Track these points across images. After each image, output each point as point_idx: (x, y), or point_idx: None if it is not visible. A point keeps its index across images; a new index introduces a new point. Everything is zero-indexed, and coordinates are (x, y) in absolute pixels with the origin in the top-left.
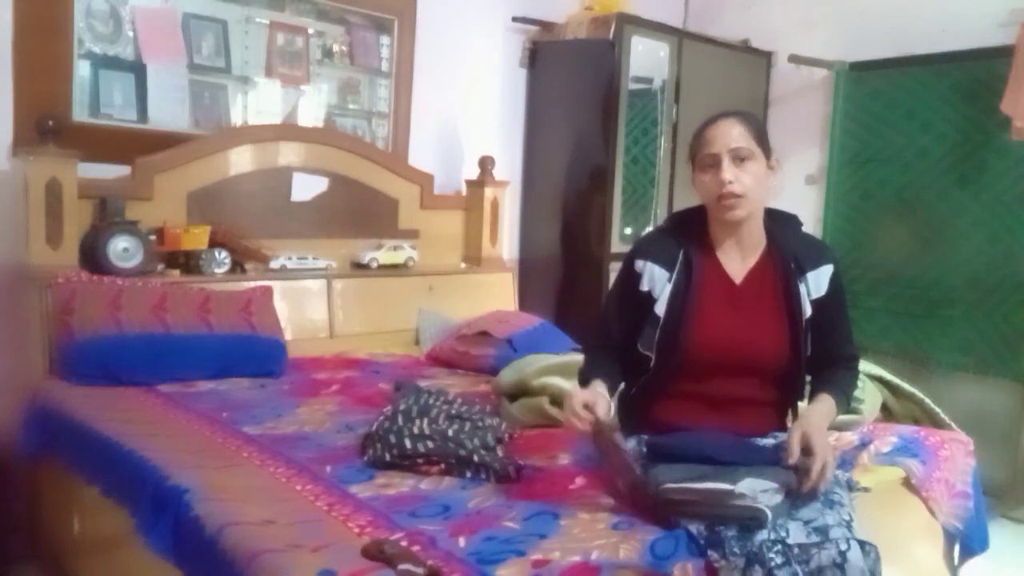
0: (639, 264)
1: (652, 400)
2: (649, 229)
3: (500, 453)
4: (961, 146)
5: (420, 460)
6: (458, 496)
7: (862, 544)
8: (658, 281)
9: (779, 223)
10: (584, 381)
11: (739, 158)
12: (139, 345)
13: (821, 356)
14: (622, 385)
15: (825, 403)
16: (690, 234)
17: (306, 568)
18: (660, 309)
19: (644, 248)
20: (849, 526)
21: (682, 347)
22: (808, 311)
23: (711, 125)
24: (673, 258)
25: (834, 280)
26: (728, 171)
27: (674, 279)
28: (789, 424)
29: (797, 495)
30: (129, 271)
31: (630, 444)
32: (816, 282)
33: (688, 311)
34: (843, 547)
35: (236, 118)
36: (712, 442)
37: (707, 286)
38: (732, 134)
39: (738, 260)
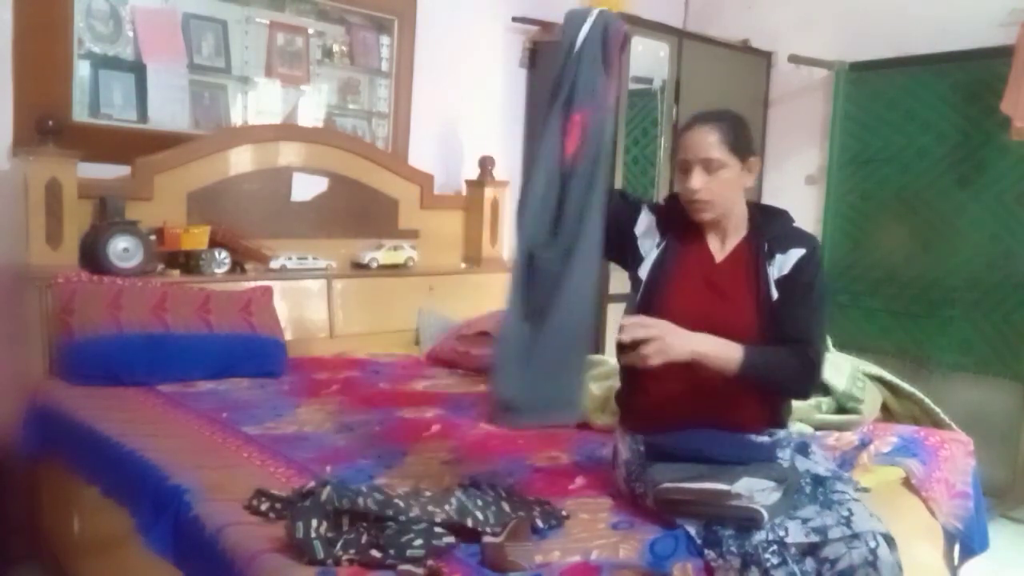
0: (645, 208)
1: (641, 389)
2: None
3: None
4: (961, 146)
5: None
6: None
7: (887, 538)
8: (647, 238)
9: (767, 216)
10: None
11: (709, 167)
12: (139, 345)
13: (776, 334)
14: (617, 383)
15: (724, 341)
16: (684, 214)
17: (306, 568)
18: (643, 273)
19: (655, 204)
20: (848, 522)
21: (657, 313)
22: (774, 293)
23: (688, 130)
24: (668, 227)
25: (802, 263)
26: (697, 179)
27: (662, 246)
28: (783, 420)
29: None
30: (129, 271)
31: (627, 443)
32: (782, 263)
33: (667, 279)
34: (872, 544)
35: (236, 118)
36: (710, 441)
37: (689, 260)
38: (703, 144)
39: (720, 242)
